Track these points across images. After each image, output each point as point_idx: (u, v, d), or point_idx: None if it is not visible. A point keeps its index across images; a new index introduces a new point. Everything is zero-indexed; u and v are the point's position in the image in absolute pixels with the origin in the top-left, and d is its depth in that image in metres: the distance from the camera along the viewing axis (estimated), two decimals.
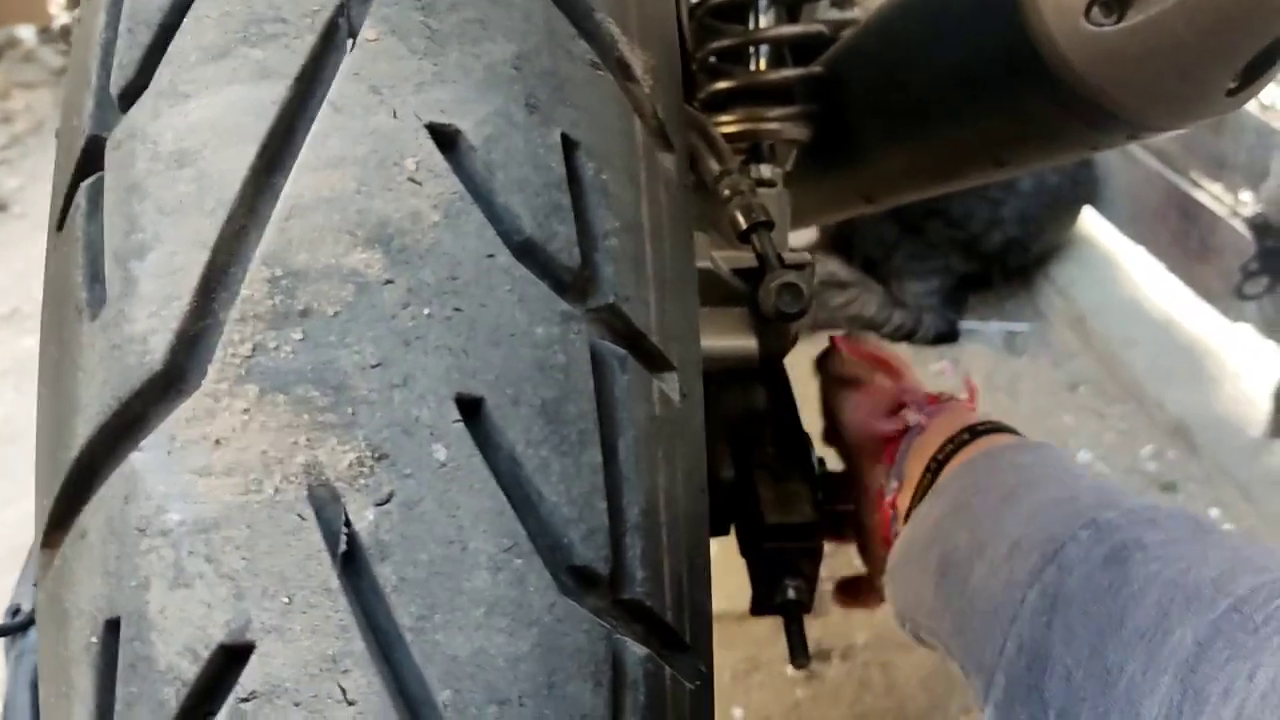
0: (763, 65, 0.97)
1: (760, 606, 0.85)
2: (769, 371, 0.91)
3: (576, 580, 0.39)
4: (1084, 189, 2.43)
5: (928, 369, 2.20)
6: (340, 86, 0.39)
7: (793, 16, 0.96)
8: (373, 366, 0.37)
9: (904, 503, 0.74)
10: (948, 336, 2.36)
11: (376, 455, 0.36)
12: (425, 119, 0.39)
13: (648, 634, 0.41)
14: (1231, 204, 2.09)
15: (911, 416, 0.76)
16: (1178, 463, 1.96)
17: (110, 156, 0.40)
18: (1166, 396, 2.05)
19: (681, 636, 0.42)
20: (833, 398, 0.90)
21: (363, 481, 0.36)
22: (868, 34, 0.87)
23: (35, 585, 0.65)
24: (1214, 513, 1.87)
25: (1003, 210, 2.29)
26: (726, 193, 0.69)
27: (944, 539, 0.63)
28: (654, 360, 0.42)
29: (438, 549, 0.36)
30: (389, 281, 0.37)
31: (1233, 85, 0.60)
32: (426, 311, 0.37)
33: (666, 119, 0.46)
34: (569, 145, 0.41)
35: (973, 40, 0.72)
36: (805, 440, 0.86)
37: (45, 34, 3.19)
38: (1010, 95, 0.71)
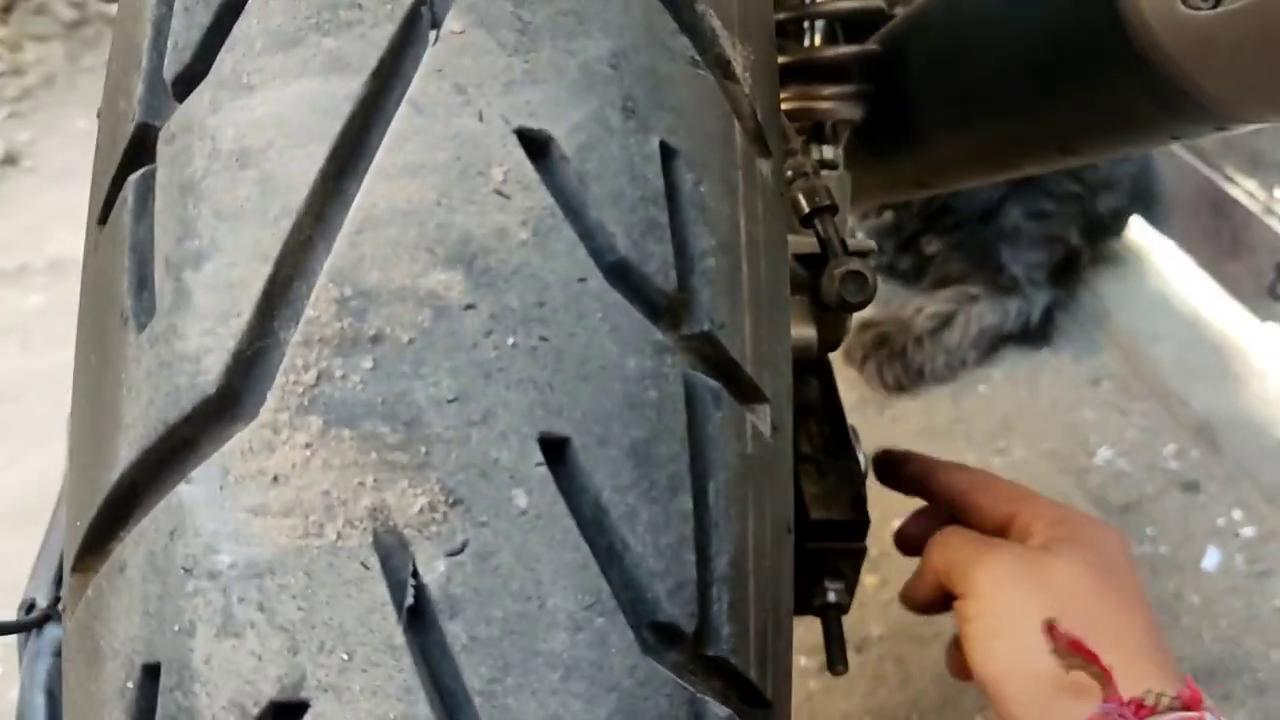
0: (818, 41, 0.93)
1: (798, 607, 0.81)
2: (817, 362, 0.87)
3: (659, 638, 0.35)
4: (1140, 200, 2.38)
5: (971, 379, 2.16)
6: (421, 84, 0.35)
7: None
8: (449, 401, 0.33)
9: None
10: (1044, 331, 2.18)
11: (450, 500, 0.33)
12: (514, 123, 0.35)
13: (727, 690, 0.38)
14: (1265, 200, 2.04)
15: None
16: (1200, 462, 1.93)
17: (163, 150, 0.36)
18: (1191, 394, 2.02)
19: (764, 693, 0.38)
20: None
21: (434, 529, 0.32)
22: (931, 9, 0.83)
23: (59, 605, 0.62)
24: (1236, 514, 1.84)
25: (1118, 170, 2.18)
26: (789, 174, 0.65)
27: None
28: (748, 392, 0.39)
29: (513, 605, 0.33)
30: (470, 306, 0.33)
31: None
32: (511, 341, 0.33)
33: (765, 122, 0.42)
34: (667, 154, 0.37)
35: (1054, 19, 0.68)
36: (851, 435, 0.82)
37: None
38: (1091, 79, 0.67)
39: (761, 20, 0.43)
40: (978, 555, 0.74)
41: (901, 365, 2.05)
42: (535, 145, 0.35)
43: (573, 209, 0.35)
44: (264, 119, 0.35)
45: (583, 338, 0.34)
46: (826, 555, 0.80)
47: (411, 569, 0.32)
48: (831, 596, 0.80)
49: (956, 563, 0.75)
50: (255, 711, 0.32)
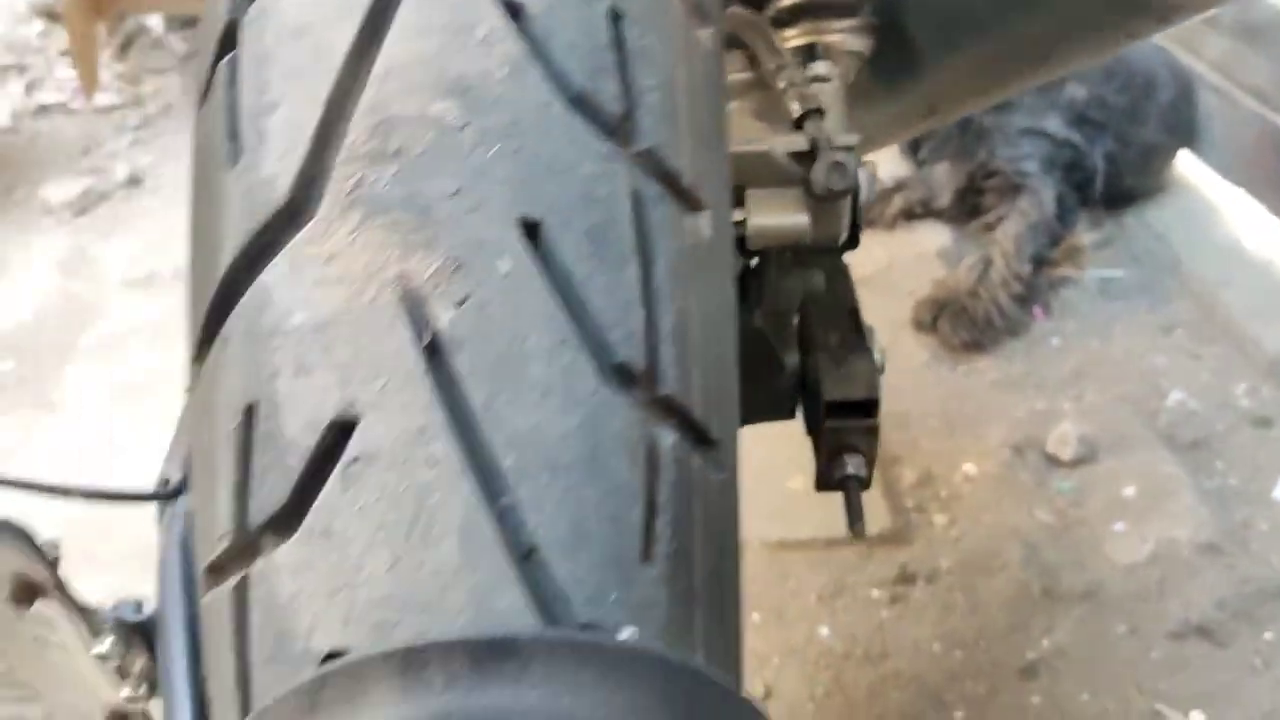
0: None
1: (823, 483, 0.92)
2: (833, 262, 0.98)
3: (619, 376, 0.46)
4: (1181, 135, 2.43)
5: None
6: None
7: None
8: (452, 195, 0.45)
9: None
10: (1066, 219, 2.31)
11: (454, 267, 0.45)
12: None
13: (680, 429, 0.49)
14: None
15: None
16: (1272, 399, 1.96)
17: (244, 34, 0.49)
18: (1264, 335, 2.05)
19: (708, 432, 0.49)
20: None
21: (443, 288, 0.44)
22: None
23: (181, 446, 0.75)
24: None
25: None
26: (783, 84, 0.76)
27: None
28: (687, 199, 0.50)
29: (503, 343, 0.44)
30: (465, 125, 0.45)
31: None
32: (495, 149, 0.45)
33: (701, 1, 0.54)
34: (615, 15, 0.49)
35: None
36: (866, 332, 0.93)
37: (172, 22, 3.36)
38: None
39: None
40: None
41: (969, 321, 2.12)
42: (512, 8, 0.47)
43: (540, 54, 0.47)
44: (313, 3, 0.47)
45: (549, 148, 0.46)
46: (844, 432, 0.90)
47: (427, 318, 0.44)
48: (850, 469, 0.90)
49: None
50: (322, 428, 0.44)
